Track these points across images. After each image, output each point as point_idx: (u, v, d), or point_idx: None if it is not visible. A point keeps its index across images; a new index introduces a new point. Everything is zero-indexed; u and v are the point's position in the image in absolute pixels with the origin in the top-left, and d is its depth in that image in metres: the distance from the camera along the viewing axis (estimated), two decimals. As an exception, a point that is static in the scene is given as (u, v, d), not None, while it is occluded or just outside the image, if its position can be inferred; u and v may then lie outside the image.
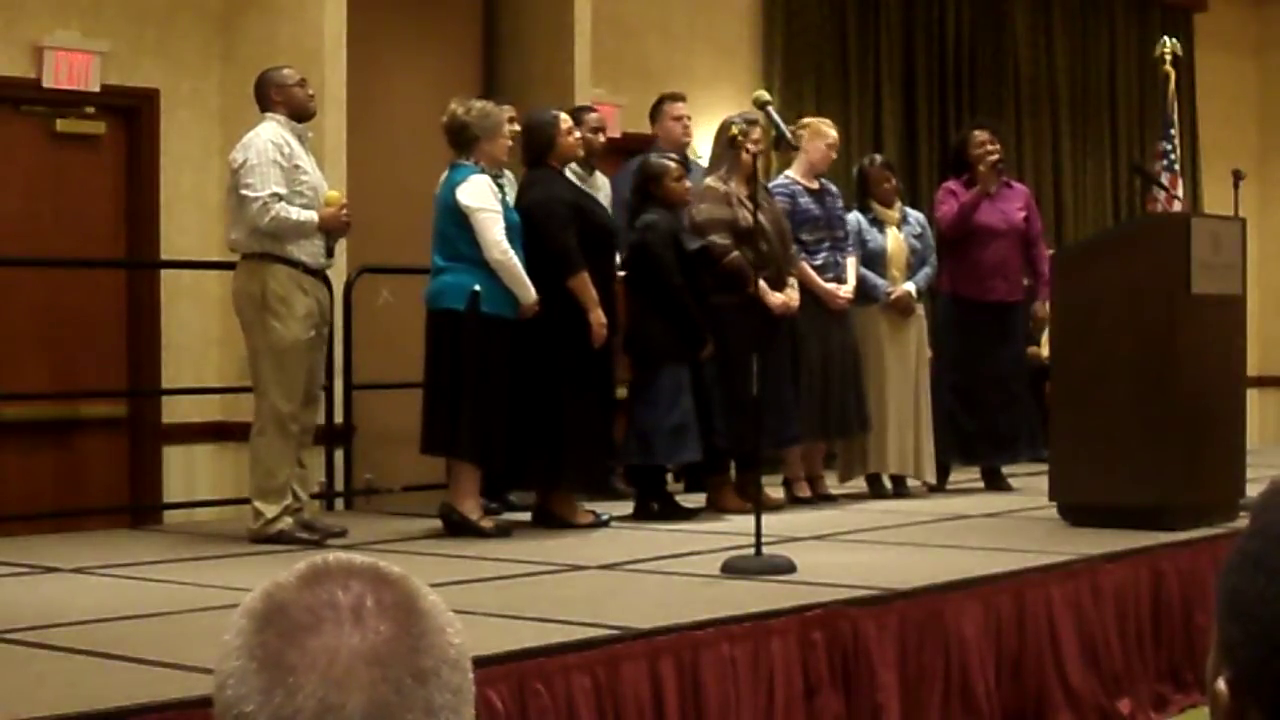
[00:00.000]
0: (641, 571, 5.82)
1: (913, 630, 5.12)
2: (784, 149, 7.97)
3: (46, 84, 7.88)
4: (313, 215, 6.62)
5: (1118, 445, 6.83)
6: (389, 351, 8.15)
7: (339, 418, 7.94)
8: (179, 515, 8.02)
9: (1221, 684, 1.22)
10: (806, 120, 8.42)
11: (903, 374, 8.29)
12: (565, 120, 7.22)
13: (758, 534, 5.66)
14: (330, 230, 6.71)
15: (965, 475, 8.88)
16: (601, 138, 7.90)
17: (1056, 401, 7.33)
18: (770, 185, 8.14)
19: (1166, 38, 9.62)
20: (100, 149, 8.21)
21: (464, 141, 6.82)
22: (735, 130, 7.51)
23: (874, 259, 8.31)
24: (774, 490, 7.80)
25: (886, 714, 4.95)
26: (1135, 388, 6.84)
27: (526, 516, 7.19)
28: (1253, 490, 6.80)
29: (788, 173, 8.21)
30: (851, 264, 8.17)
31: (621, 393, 7.57)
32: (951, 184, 8.64)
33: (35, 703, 3.67)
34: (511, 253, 6.69)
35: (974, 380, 8.49)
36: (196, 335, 8.33)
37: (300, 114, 6.78)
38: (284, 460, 6.59)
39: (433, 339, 6.82)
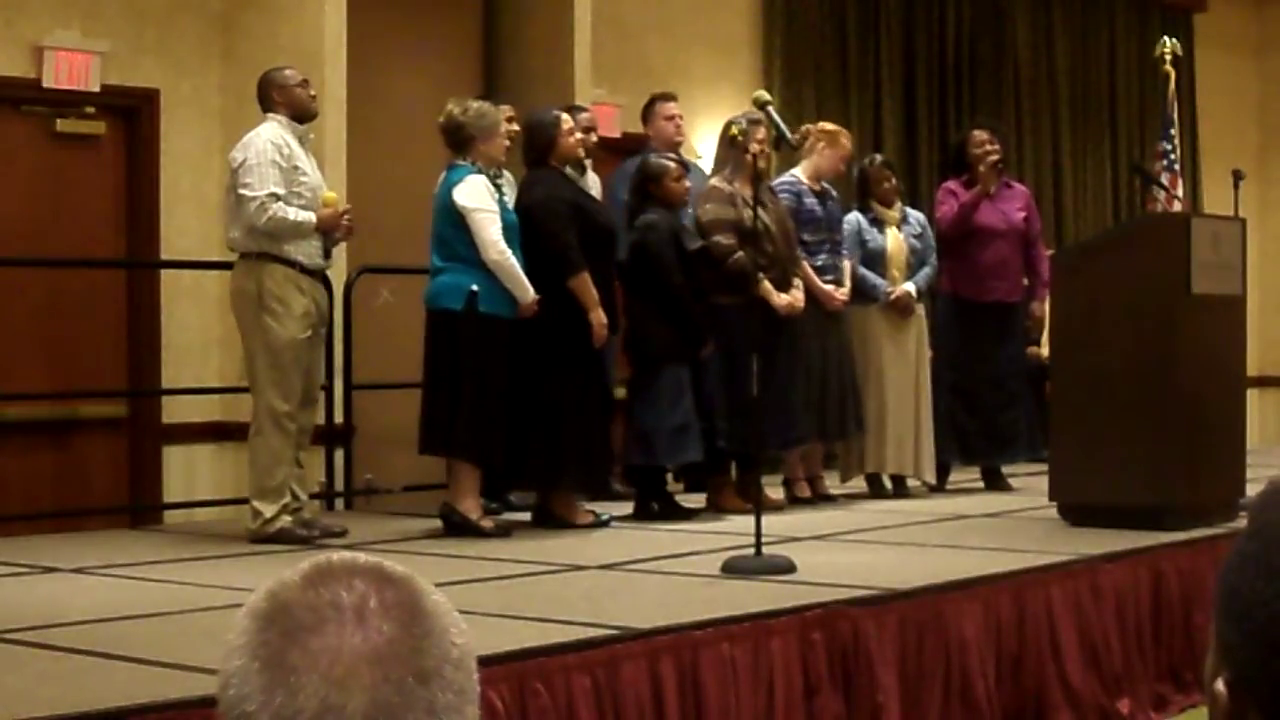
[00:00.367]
0: (641, 571, 5.82)
1: (913, 630, 5.12)
2: (784, 149, 7.96)
3: (46, 84, 7.88)
4: (310, 216, 6.62)
5: (1118, 445, 6.83)
6: (389, 351, 8.15)
7: (339, 418, 7.94)
8: (179, 515, 8.02)
9: (1220, 685, 1.22)
10: (826, 126, 8.40)
11: (903, 374, 8.29)
12: (566, 120, 7.22)
13: (758, 534, 5.66)
14: (328, 232, 6.71)
15: (965, 475, 8.88)
16: (593, 137, 7.89)
17: (1056, 401, 7.33)
18: (776, 183, 8.15)
19: (1166, 38, 9.63)
20: (100, 149, 8.21)
21: (460, 142, 6.82)
22: (735, 130, 7.51)
23: (874, 259, 8.31)
24: (774, 490, 7.80)
25: (886, 714, 4.95)
26: (1135, 388, 6.84)
27: (526, 516, 7.19)
28: (1253, 490, 6.79)
29: (793, 172, 8.21)
30: (847, 267, 8.18)
31: (621, 393, 7.57)
32: (951, 184, 8.64)
33: (35, 703, 3.67)
34: (509, 252, 6.69)
35: (973, 380, 8.49)
36: (196, 335, 8.33)
37: (302, 115, 6.79)
38: (281, 459, 6.59)
39: (431, 339, 6.83)
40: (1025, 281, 8.72)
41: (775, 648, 4.70)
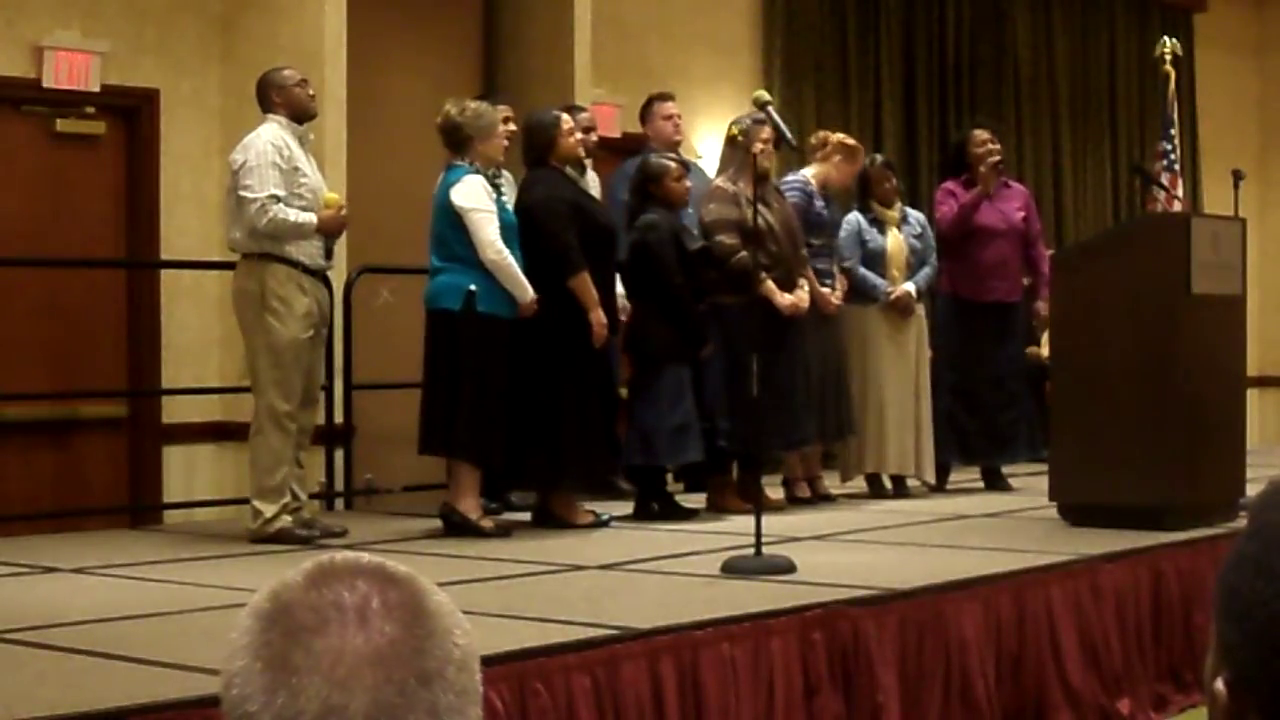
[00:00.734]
0: (641, 571, 5.82)
1: (913, 630, 5.12)
2: (784, 148, 7.97)
3: (46, 84, 7.88)
4: (311, 217, 6.62)
5: (1118, 445, 6.83)
6: (389, 351, 8.15)
7: (339, 418, 7.94)
8: (179, 515, 8.02)
9: (1220, 684, 1.22)
10: (847, 140, 8.38)
11: (903, 374, 8.29)
12: (566, 121, 7.22)
13: (758, 534, 5.66)
14: (328, 233, 6.72)
15: (965, 475, 8.88)
16: (593, 137, 7.89)
17: (1056, 401, 7.33)
18: (787, 180, 8.16)
19: (1166, 38, 9.63)
20: (100, 149, 8.21)
21: (458, 142, 6.82)
22: (736, 131, 7.53)
23: (874, 259, 8.32)
24: (774, 490, 7.80)
25: (886, 714, 4.95)
26: (1135, 388, 6.84)
27: (526, 516, 7.19)
28: (1253, 490, 6.79)
29: (803, 173, 8.22)
30: (837, 271, 8.20)
31: (623, 393, 7.57)
32: (951, 184, 8.65)
33: (35, 703, 3.67)
34: (506, 252, 6.69)
35: (973, 380, 8.49)
36: (196, 335, 8.33)
37: (301, 115, 6.79)
38: (281, 459, 6.59)
39: (430, 339, 6.83)
40: (1026, 281, 8.73)
41: (775, 648, 4.70)
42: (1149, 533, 6.45)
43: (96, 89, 8.03)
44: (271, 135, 6.64)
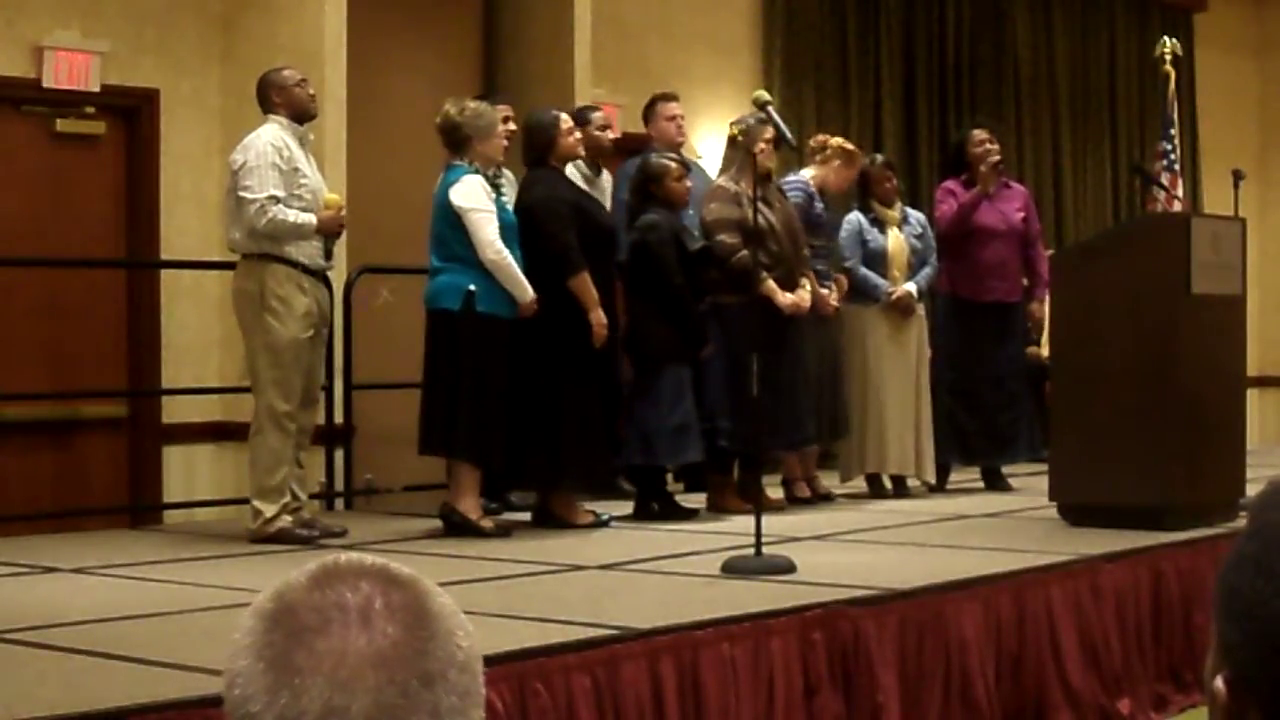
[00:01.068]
0: (641, 571, 5.82)
1: (913, 630, 5.12)
2: (784, 148, 7.97)
3: (46, 84, 7.88)
4: (310, 218, 6.62)
5: (1118, 445, 6.83)
6: (389, 351, 8.15)
7: (339, 418, 7.94)
8: (179, 515, 8.02)
9: (1220, 683, 1.22)
10: (846, 145, 8.38)
11: (903, 374, 8.29)
12: (566, 120, 7.23)
13: (758, 534, 5.66)
14: (328, 233, 6.72)
15: (965, 475, 8.88)
16: (609, 135, 7.88)
17: (1056, 401, 7.33)
18: (788, 180, 8.16)
19: (1166, 38, 9.63)
20: (100, 149, 8.21)
21: (457, 142, 6.82)
22: (737, 131, 7.53)
23: (875, 259, 8.32)
24: (774, 490, 7.80)
25: (886, 714, 4.95)
26: (1135, 388, 6.84)
27: (526, 516, 7.19)
28: (1253, 490, 6.79)
29: (802, 174, 8.22)
30: (833, 271, 8.21)
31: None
32: (950, 184, 8.65)
33: (35, 703, 3.67)
34: (505, 252, 6.69)
35: (973, 380, 8.49)
36: (196, 335, 8.33)
37: (301, 115, 6.79)
38: (281, 459, 6.59)
39: (430, 339, 6.83)
40: (1025, 282, 8.73)
41: (775, 648, 4.70)
42: (1149, 533, 6.45)
43: (96, 89, 8.03)
44: (271, 136, 6.65)
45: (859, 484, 8.43)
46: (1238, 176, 8.65)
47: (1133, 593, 5.97)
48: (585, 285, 6.92)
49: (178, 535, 7.24)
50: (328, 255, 6.76)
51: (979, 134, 8.66)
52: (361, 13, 8.29)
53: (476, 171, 6.77)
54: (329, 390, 7.61)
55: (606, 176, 7.96)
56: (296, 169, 6.65)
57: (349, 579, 1.26)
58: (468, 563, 5.99)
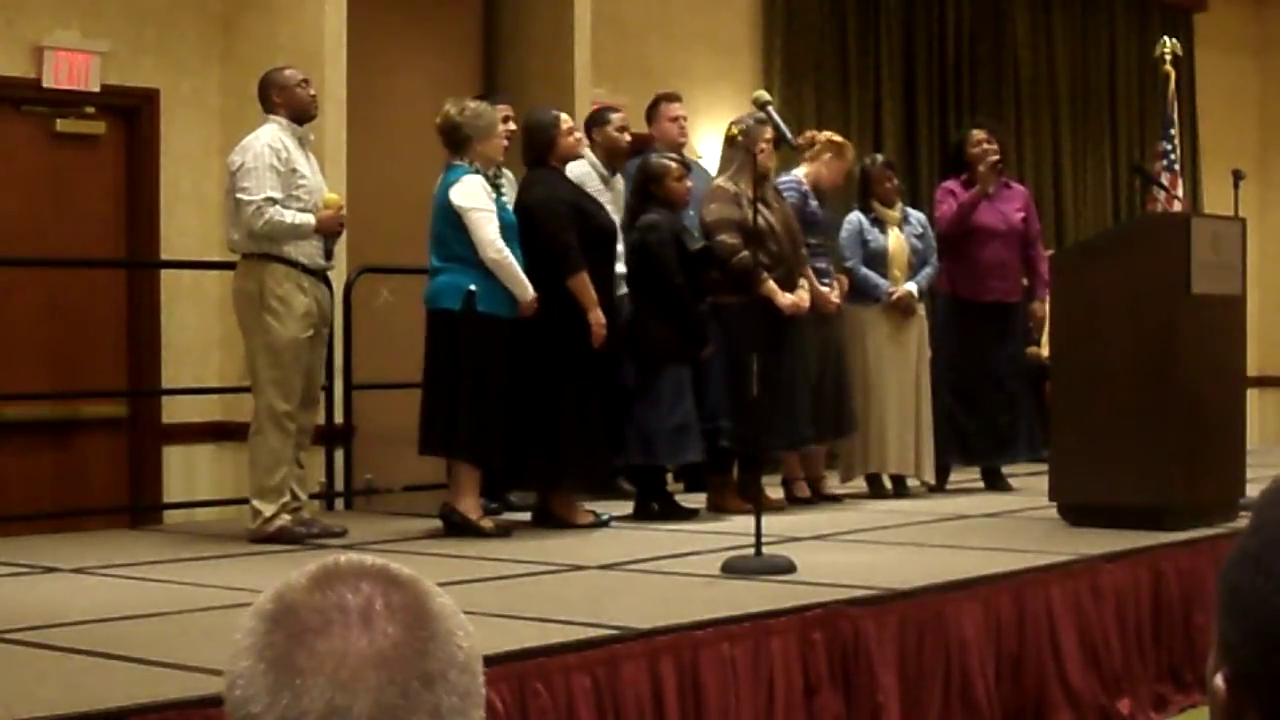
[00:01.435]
0: (641, 571, 5.82)
1: (913, 630, 5.12)
2: (784, 149, 7.97)
3: (46, 84, 7.88)
4: (309, 218, 6.62)
5: (1118, 445, 6.83)
6: (389, 351, 8.15)
7: (339, 418, 7.94)
8: (179, 515, 8.02)
9: (1219, 681, 1.22)
10: (835, 137, 8.39)
11: (903, 374, 8.29)
12: (566, 120, 7.23)
13: (758, 534, 5.66)
14: (326, 233, 6.72)
15: (965, 475, 8.88)
16: (626, 137, 7.86)
17: (1056, 401, 7.33)
18: (783, 180, 8.16)
19: (1166, 38, 9.62)
20: (100, 149, 8.21)
21: (457, 142, 6.82)
22: (737, 131, 7.53)
23: (875, 259, 8.32)
24: (774, 490, 7.80)
25: (886, 714, 4.95)
26: (1135, 388, 6.84)
27: (526, 516, 7.19)
28: (1253, 490, 6.81)
29: (795, 173, 8.21)
30: (832, 270, 8.20)
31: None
32: (950, 184, 8.65)
33: (35, 703, 3.67)
34: (506, 251, 6.69)
35: (973, 380, 8.49)
36: (196, 335, 8.33)
37: (301, 115, 6.79)
38: (281, 459, 6.59)
39: (430, 339, 6.83)
40: (1025, 282, 8.73)
41: (775, 648, 4.70)
42: (1149, 533, 6.45)
43: (96, 89, 8.03)
44: (269, 137, 6.65)
45: (859, 484, 8.43)
46: (1238, 176, 8.65)
47: (1133, 593, 5.97)
48: (584, 285, 6.92)
49: (178, 535, 7.24)
50: (328, 255, 6.76)
51: (978, 134, 8.67)
52: (361, 13, 8.29)
53: (477, 171, 6.77)
54: (329, 390, 7.61)
55: (620, 178, 7.95)
56: (294, 170, 6.65)
57: (349, 579, 1.26)
58: (468, 563, 5.99)
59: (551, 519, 7.06)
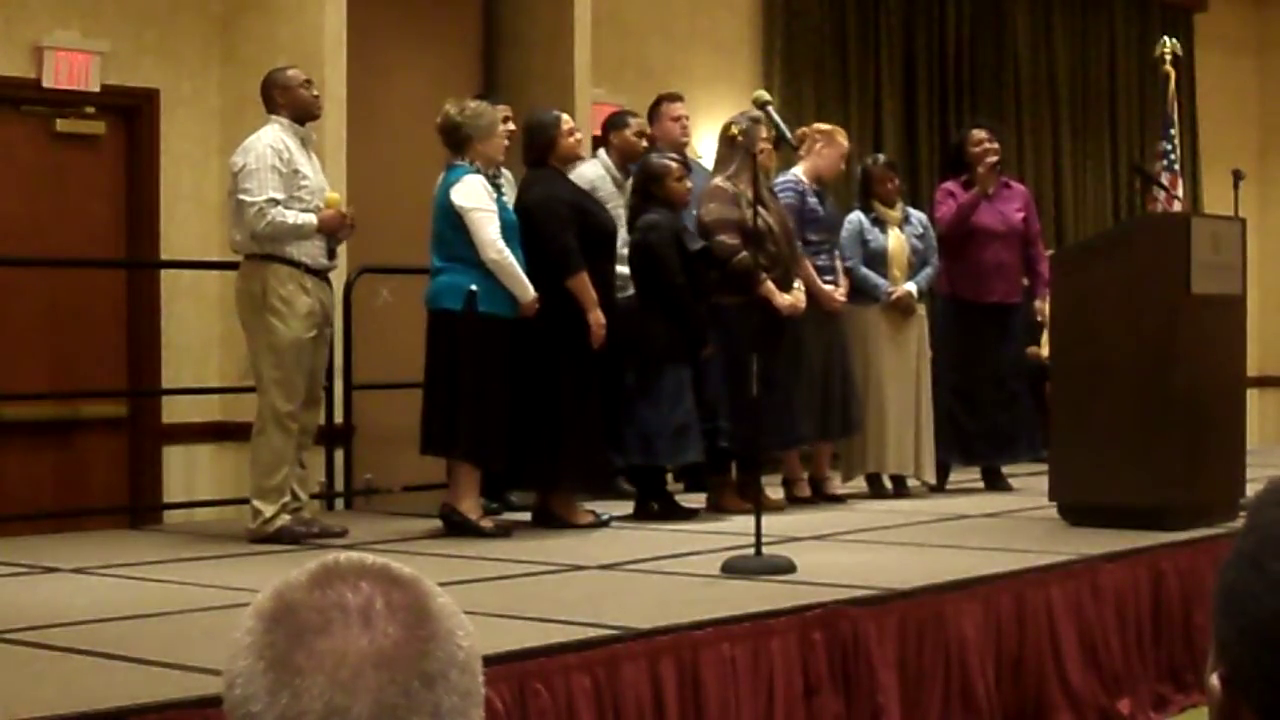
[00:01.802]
0: (641, 571, 5.82)
1: (913, 630, 5.12)
2: (784, 149, 7.97)
3: (46, 84, 7.88)
4: (311, 218, 6.62)
5: (1118, 445, 6.83)
6: (389, 351, 8.15)
7: (339, 418, 7.94)
8: (179, 515, 8.02)
9: (1215, 680, 1.23)
10: (823, 126, 8.41)
11: (903, 374, 8.29)
12: (566, 121, 7.24)
13: (758, 534, 5.66)
14: (330, 233, 6.71)
15: (965, 475, 8.88)
16: (644, 143, 7.79)
17: (1056, 401, 7.33)
18: (777, 182, 8.15)
19: (1166, 38, 9.64)
20: (100, 149, 8.21)
21: (458, 142, 6.82)
22: (736, 130, 7.52)
23: (876, 259, 8.31)
24: (774, 490, 7.80)
25: (886, 714, 4.95)
26: (1135, 388, 6.83)
27: (526, 516, 7.19)
28: (1253, 490, 6.79)
29: (794, 172, 8.20)
30: (839, 266, 8.19)
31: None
32: (950, 184, 8.65)
33: (35, 703, 3.67)
34: (507, 252, 6.69)
35: (973, 380, 8.49)
36: (196, 335, 8.33)
37: (303, 115, 6.79)
38: (282, 459, 6.59)
39: (431, 340, 6.83)
40: (1025, 282, 8.73)
41: (775, 648, 4.70)
42: (1149, 533, 6.44)
43: (96, 89, 8.03)
44: (271, 138, 6.65)
45: (859, 484, 8.43)
46: (1238, 176, 8.65)
47: (1133, 593, 5.97)
48: (584, 285, 6.92)
49: (178, 535, 7.24)
50: (331, 255, 6.76)
51: (978, 134, 8.66)
52: (361, 13, 8.29)
53: (477, 171, 6.77)
54: (329, 390, 7.61)
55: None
56: (297, 170, 6.64)
57: (349, 579, 1.26)
58: (468, 563, 5.99)
59: (551, 519, 7.06)
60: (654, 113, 8.44)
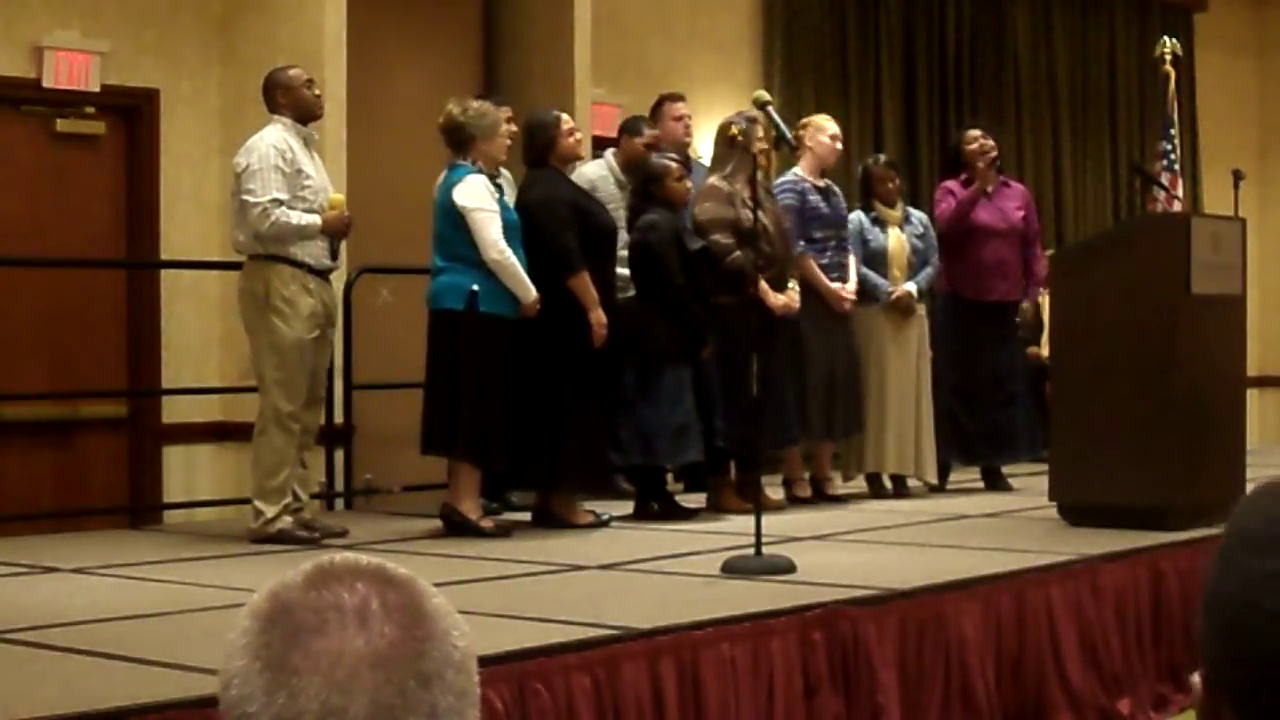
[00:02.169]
0: (641, 571, 5.82)
1: (913, 630, 5.12)
2: (784, 149, 7.96)
3: (46, 84, 7.88)
4: (314, 219, 6.62)
5: (1118, 445, 6.83)
6: (389, 351, 8.15)
7: (339, 418, 7.94)
8: (179, 515, 8.02)
9: (1197, 679, 1.24)
10: (804, 120, 8.43)
11: (904, 374, 8.29)
12: (567, 121, 7.24)
13: (758, 534, 5.66)
14: (332, 233, 6.71)
15: (965, 475, 8.88)
16: (651, 154, 7.81)
17: (1056, 401, 7.33)
18: (778, 183, 8.15)
19: (1166, 38, 9.64)
20: (100, 149, 8.21)
21: (461, 142, 6.82)
22: (735, 130, 7.52)
23: (876, 258, 8.31)
24: (774, 490, 7.80)
25: (886, 714, 4.95)
26: (1135, 388, 6.83)
27: (526, 516, 7.19)
28: (1252, 490, 6.79)
29: (795, 170, 8.20)
30: (852, 263, 8.18)
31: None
32: (949, 184, 8.65)
33: (35, 703, 3.67)
34: (509, 252, 6.69)
35: (973, 380, 8.49)
36: (196, 335, 8.33)
37: (305, 115, 6.78)
38: (284, 459, 6.59)
39: (433, 339, 6.83)
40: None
41: (775, 648, 4.70)
42: (1149, 533, 6.44)
43: (96, 89, 8.03)
44: (274, 138, 6.64)
45: (859, 484, 8.43)
46: (1238, 176, 8.66)
47: (1133, 593, 5.97)
48: (585, 285, 6.92)
49: (178, 535, 7.24)
50: (334, 255, 6.76)
51: (974, 134, 8.68)
52: (361, 13, 8.29)
53: (480, 171, 6.77)
54: (329, 390, 7.60)
55: None
56: (300, 170, 6.64)
57: (345, 579, 1.26)
58: (468, 563, 5.99)
59: (551, 519, 7.06)
60: (656, 112, 8.45)
